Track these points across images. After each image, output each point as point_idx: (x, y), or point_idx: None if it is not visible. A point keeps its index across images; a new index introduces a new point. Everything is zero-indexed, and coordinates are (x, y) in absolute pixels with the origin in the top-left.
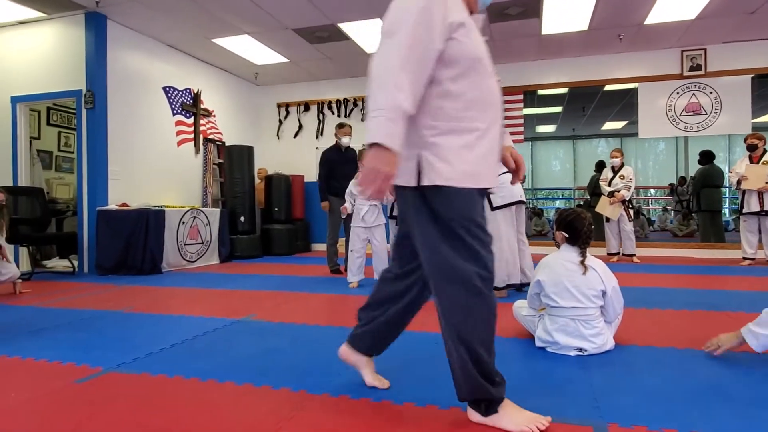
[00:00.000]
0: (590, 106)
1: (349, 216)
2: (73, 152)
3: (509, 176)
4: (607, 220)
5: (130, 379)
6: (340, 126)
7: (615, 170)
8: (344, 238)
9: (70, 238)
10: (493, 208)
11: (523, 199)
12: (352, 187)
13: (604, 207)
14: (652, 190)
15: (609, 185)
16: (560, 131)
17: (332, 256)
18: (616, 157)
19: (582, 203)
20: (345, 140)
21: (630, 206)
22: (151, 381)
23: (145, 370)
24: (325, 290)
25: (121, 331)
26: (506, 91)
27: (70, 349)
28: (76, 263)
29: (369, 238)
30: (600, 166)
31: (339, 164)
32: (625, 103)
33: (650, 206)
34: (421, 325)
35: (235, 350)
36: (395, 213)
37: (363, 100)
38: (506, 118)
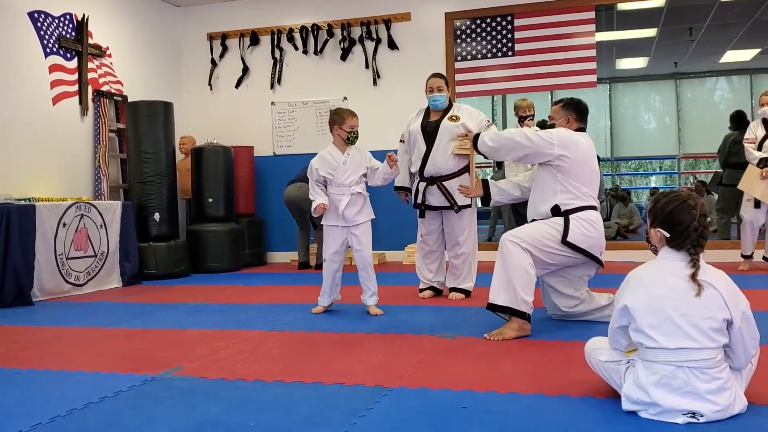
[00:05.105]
0: (701, 25)
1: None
2: None
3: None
4: (757, 204)
5: None
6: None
7: None
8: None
9: None
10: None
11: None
12: (319, 166)
13: (752, 183)
14: None
15: (759, 149)
16: (655, 67)
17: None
18: None
19: (696, 182)
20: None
21: None
22: None
23: None
24: (290, 326)
25: None
26: (569, 6)
27: None
28: None
29: (348, 240)
30: (738, 120)
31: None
32: (757, 20)
33: None
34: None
35: (152, 426)
36: (420, 200)
37: (343, 27)
38: (570, 48)
